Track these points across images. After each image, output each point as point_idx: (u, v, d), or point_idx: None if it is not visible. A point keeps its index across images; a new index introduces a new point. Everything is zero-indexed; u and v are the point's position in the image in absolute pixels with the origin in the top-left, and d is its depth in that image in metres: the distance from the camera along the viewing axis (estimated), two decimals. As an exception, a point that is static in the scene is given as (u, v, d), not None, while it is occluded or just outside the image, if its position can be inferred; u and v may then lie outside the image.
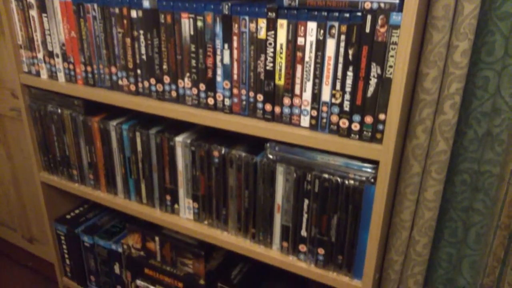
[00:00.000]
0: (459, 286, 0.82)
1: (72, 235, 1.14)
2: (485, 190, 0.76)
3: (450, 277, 0.85)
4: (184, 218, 0.93)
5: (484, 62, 0.74)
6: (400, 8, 0.58)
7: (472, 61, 0.75)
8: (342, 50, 0.64)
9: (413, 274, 0.81)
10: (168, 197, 0.93)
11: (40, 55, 0.99)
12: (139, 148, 0.92)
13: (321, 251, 0.77)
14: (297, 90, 0.70)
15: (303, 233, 0.78)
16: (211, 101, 0.79)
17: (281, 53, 0.68)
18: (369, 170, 0.68)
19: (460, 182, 0.80)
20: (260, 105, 0.74)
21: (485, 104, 0.74)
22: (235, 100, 0.77)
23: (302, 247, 0.79)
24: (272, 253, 0.83)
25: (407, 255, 0.80)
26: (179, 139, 0.86)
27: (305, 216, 0.77)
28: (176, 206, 0.93)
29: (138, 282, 1.10)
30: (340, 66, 0.65)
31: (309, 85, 0.68)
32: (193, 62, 0.77)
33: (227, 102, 0.78)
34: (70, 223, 1.16)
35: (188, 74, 0.79)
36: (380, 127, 0.64)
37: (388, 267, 0.82)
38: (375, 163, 0.67)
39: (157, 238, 1.00)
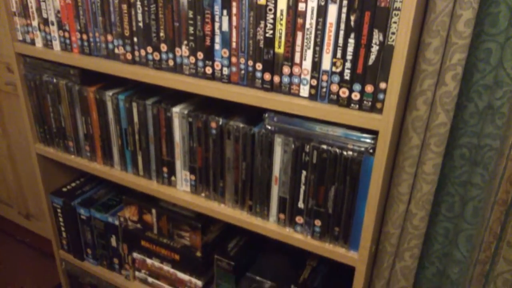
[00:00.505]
0: (454, 259, 0.83)
1: (68, 208, 1.14)
2: (484, 164, 0.75)
3: (446, 251, 0.85)
4: (181, 190, 0.92)
5: (487, 34, 0.72)
6: (404, -29, 0.56)
7: (474, 33, 0.73)
8: (344, 16, 0.62)
9: (410, 248, 0.81)
10: (165, 169, 0.92)
11: (34, 23, 0.96)
12: (135, 119, 0.91)
13: (317, 222, 0.77)
14: (297, 59, 0.68)
15: (300, 204, 0.78)
16: (209, 70, 0.78)
17: (281, 19, 0.67)
18: (368, 140, 0.67)
19: (459, 156, 0.79)
20: (259, 74, 0.73)
21: (487, 77, 0.73)
22: (234, 69, 0.75)
23: (299, 219, 0.79)
24: (269, 225, 0.83)
25: (404, 228, 0.80)
26: (176, 110, 0.85)
27: (302, 187, 0.76)
28: (173, 178, 0.92)
29: (135, 254, 1.10)
30: (341, 33, 0.63)
31: (309, 53, 0.67)
32: (191, 29, 0.76)
33: (226, 71, 0.76)
34: (66, 196, 1.15)
35: (185, 42, 0.78)
36: (381, 96, 0.63)
37: (384, 240, 0.82)
38: (374, 133, 0.67)
39: (154, 211, 1.00)
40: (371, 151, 0.67)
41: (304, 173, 0.75)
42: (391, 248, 0.81)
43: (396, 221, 0.79)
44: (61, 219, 1.18)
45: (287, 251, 0.99)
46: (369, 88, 0.64)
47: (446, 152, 0.80)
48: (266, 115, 0.75)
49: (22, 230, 2.43)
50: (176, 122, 0.86)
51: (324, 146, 0.71)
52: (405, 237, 0.81)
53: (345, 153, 0.69)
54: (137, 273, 1.13)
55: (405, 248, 0.81)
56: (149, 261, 1.08)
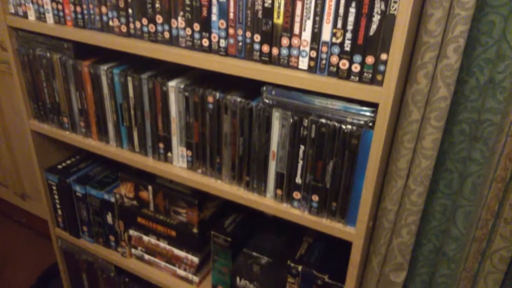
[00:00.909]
0: (451, 236, 0.83)
1: (64, 185, 1.13)
2: (484, 139, 0.74)
3: (444, 228, 0.85)
4: (178, 166, 0.91)
5: (490, 6, 0.71)
6: None
7: (477, 6, 0.71)
8: (345, -16, 0.60)
9: (407, 224, 0.81)
10: (161, 145, 0.91)
11: (26, -6, 0.94)
12: (131, 93, 0.89)
13: (315, 198, 0.76)
14: (296, 30, 0.67)
15: (298, 180, 0.77)
16: (205, 42, 0.76)
17: (280, -12, 0.65)
18: (367, 114, 0.66)
19: (458, 132, 0.79)
20: (257, 46, 0.71)
21: (489, 50, 0.72)
22: (231, 41, 0.73)
23: (296, 194, 0.79)
24: (266, 201, 0.82)
25: (402, 205, 0.80)
26: (172, 84, 0.83)
27: (300, 162, 0.76)
28: (169, 154, 0.91)
29: (131, 231, 1.10)
30: (342, 2, 0.61)
31: (309, 24, 0.65)
32: (188, -1, 0.74)
33: (223, 43, 0.74)
34: (62, 173, 1.14)
35: (181, 13, 0.76)
36: (382, 67, 0.62)
37: (382, 216, 0.82)
38: (374, 106, 0.65)
39: (150, 187, 0.99)
40: (370, 124, 0.66)
41: (302, 147, 0.74)
42: (388, 224, 0.81)
43: (394, 197, 0.78)
44: (56, 196, 1.17)
45: (284, 228, 0.99)
46: (369, 60, 0.62)
47: (445, 128, 0.79)
48: (264, 88, 0.73)
49: (18, 210, 2.43)
50: (172, 97, 0.84)
51: (323, 120, 0.69)
52: (403, 213, 0.81)
53: (344, 127, 0.68)
54: (133, 250, 1.13)
55: (403, 224, 0.81)
56: (145, 238, 1.08)
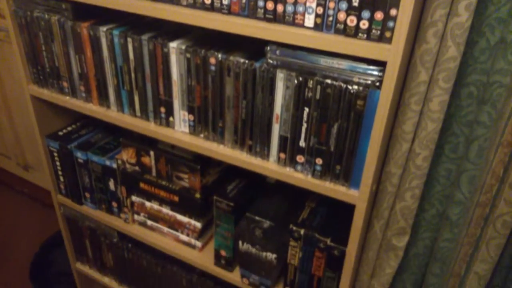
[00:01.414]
0: (455, 201, 0.82)
1: (65, 151, 1.12)
2: (492, 102, 0.73)
3: (448, 193, 0.84)
4: (180, 131, 0.90)
5: (506, -38, 0.68)
6: None
7: (492, -38, 0.69)
8: None
9: (411, 188, 0.80)
10: (162, 110, 0.90)
11: (21, -48, 0.90)
12: (131, 56, 0.87)
13: (319, 161, 0.76)
14: (302, -15, 0.64)
15: (302, 143, 0.76)
16: (208, 0, 0.73)
17: None
18: (375, 73, 0.64)
19: (466, 95, 0.77)
20: (261, 3, 0.69)
21: (501, 9, 0.69)
22: (234, -2, 0.71)
23: (300, 158, 0.78)
24: (269, 165, 0.81)
25: (406, 168, 0.79)
26: (173, 45, 0.81)
27: (304, 125, 0.74)
28: (171, 119, 0.90)
29: (134, 197, 1.10)
30: (351, -47, 0.59)
31: (315, -22, 0.63)
32: (189, -46, 0.71)
33: (225, 1, 0.72)
34: (63, 139, 1.13)
35: (183, -31, 0.73)
36: (391, 24, 0.60)
37: (385, 180, 0.81)
38: (382, 65, 0.64)
39: (152, 153, 0.98)
40: (377, 84, 0.64)
41: (306, 110, 0.73)
42: (392, 188, 0.81)
43: (399, 161, 0.78)
44: (58, 163, 1.17)
45: (287, 193, 0.98)
46: (378, 15, 0.60)
47: (452, 91, 0.77)
48: (268, 48, 0.71)
49: (21, 181, 2.44)
50: (173, 59, 0.82)
51: (329, 81, 0.68)
52: (407, 177, 0.80)
53: (350, 87, 0.66)
54: (136, 216, 1.13)
55: (406, 188, 0.81)
56: (148, 204, 1.08)
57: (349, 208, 0.78)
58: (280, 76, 0.72)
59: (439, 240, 0.87)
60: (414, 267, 0.95)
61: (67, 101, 1.02)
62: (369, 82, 0.65)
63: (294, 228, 0.86)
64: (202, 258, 1.05)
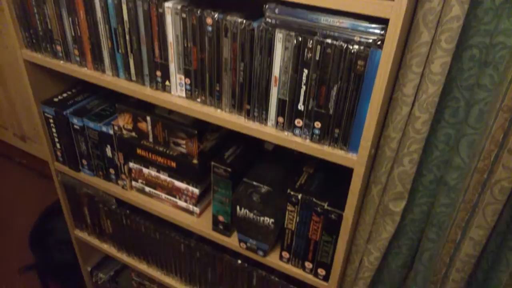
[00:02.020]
0: (454, 166, 0.82)
1: (61, 118, 1.11)
2: (495, 64, 0.71)
3: (446, 158, 0.84)
4: (176, 95, 0.89)
5: None
6: None
7: None
8: None
9: (409, 152, 0.80)
10: (158, 73, 0.88)
11: None
12: (125, 17, 0.84)
13: (317, 124, 0.75)
14: None
15: (300, 106, 0.75)
16: (204, -44, 0.71)
17: None
18: (376, 31, 0.62)
19: (468, 58, 0.75)
20: (259, -41, 0.66)
21: (508, -34, 0.67)
22: (232, -46, 0.68)
23: (298, 122, 0.77)
24: (267, 129, 0.80)
25: (405, 133, 0.79)
26: (168, 4, 0.78)
27: (303, 88, 0.73)
28: (167, 83, 0.88)
29: (131, 164, 1.10)
30: None
31: None
32: None
33: (223, -44, 0.69)
34: (58, 106, 1.12)
35: None
36: (393, -21, 0.58)
37: (384, 145, 0.80)
38: (384, 23, 0.62)
39: (148, 118, 0.97)
40: (379, 43, 0.63)
41: (305, 71, 0.71)
42: (391, 153, 0.80)
43: (398, 125, 0.77)
44: (54, 130, 1.16)
45: (284, 160, 0.98)
46: (381, -30, 0.58)
47: (454, 55, 0.75)
48: (267, 6, 0.69)
49: (18, 152, 2.44)
50: (168, 19, 0.80)
51: (329, 40, 0.66)
52: (406, 142, 0.79)
53: (351, 47, 0.65)
54: (134, 183, 1.13)
55: (405, 153, 0.80)
56: (145, 170, 1.07)
57: (347, 174, 0.78)
58: (279, 36, 0.70)
59: (436, 205, 0.87)
60: (410, 232, 0.96)
61: (61, 65, 1.00)
62: (370, 41, 0.63)
63: (292, 193, 0.86)
64: (200, 223, 1.06)
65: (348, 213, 0.80)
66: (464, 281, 0.99)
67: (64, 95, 1.17)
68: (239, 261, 1.06)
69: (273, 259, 0.97)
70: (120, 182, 1.15)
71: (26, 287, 1.76)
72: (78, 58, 0.97)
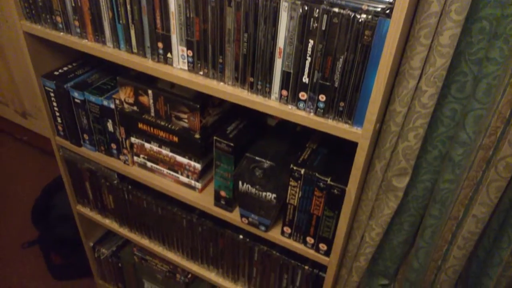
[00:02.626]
0: (459, 141, 0.81)
1: (62, 91, 1.10)
2: (505, 36, 0.69)
3: (451, 134, 0.83)
4: (178, 68, 0.87)
5: None
6: None
7: None
8: None
9: (415, 127, 0.79)
10: (160, 45, 0.86)
11: None
12: (126, -14, 0.82)
13: (322, 98, 0.73)
14: None
15: (305, 79, 0.74)
16: None
17: None
18: (385, -1, 0.60)
19: (477, 30, 0.73)
20: None
21: None
22: None
23: (303, 95, 0.75)
24: (271, 103, 0.79)
25: (411, 107, 0.77)
26: (171, -27, 0.76)
27: (308, 59, 0.72)
28: (169, 55, 0.87)
29: (133, 139, 1.09)
30: None
31: None
32: None
33: None
34: (59, 79, 1.10)
35: None
36: None
37: (389, 119, 0.79)
38: (392, -9, 0.60)
39: (150, 92, 0.96)
40: (387, 12, 0.61)
41: (311, 42, 0.69)
42: (396, 128, 0.79)
43: (404, 99, 0.75)
44: (54, 104, 1.15)
45: (287, 135, 0.97)
46: None
47: (463, 27, 0.73)
48: (272, -27, 0.67)
49: (20, 128, 2.43)
50: (171, -12, 0.78)
51: (336, 9, 0.64)
52: (411, 116, 0.78)
53: (358, 16, 0.63)
54: (135, 158, 1.13)
55: (410, 127, 0.79)
56: (147, 145, 1.07)
57: (350, 150, 0.77)
58: (284, 5, 0.68)
59: (440, 181, 0.87)
60: (413, 209, 0.95)
61: (61, 37, 0.98)
62: (379, 9, 0.61)
63: (295, 168, 0.85)
64: (202, 199, 1.05)
65: (351, 188, 0.80)
66: (465, 258, 1.00)
67: (65, 68, 1.16)
68: (241, 236, 1.06)
69: (275, 234, 0.97)
70: (122, 157, 1.14)
71: (29, 261, 1.78)
72: (78, 30, 0.95)
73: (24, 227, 1.91)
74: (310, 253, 0.94)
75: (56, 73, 1.13)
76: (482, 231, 0.95)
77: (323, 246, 0.92)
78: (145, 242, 1.30)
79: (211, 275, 1.21)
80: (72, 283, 1.70)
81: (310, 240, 0.93)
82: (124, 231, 1.32)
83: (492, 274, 0.96)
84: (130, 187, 1.18)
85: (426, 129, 0.80)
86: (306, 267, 1.00)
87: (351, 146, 0.76)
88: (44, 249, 1.72)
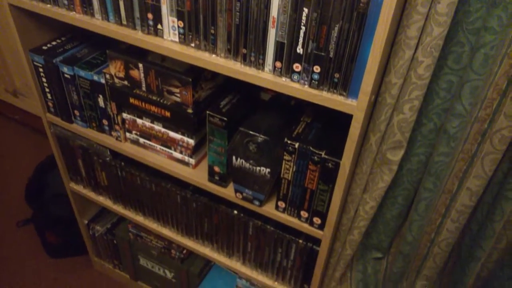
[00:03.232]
0: (455, 113, 0.80)
1: (51, 66, 1.07)
2: (504, 4, 0.68)
3: (447, 106, 0.82)
4: (169, 40, 0.85)
5: None
6: None
7: None
8: None
9: (410, 99, 0.78)
10: (150, 16, 0.84)
11: None
12: (114, -47, 0.79)
13: (317, 69, 0.72)
14: None
15: (299, 49, 0.72)
16: None
17: None
18: (381, -36, 0.58)
19: (476, -1, 0.72)
20: None
21: None
22: None
23: (297, 66, 0.74)
24: (264, 75, 0.78)
25: (407, 78, 0.76)
26: None
27: (302, 29, 0.70)
28: (159, 26, 0.84)
29: (124, 115, 1.07)
30: None
31: None
32: None
33: None
34: (47, 54, 1.07)
35: None
36: None
37: (385, 91, 0.78)
38: (389, -45, 0.58)
39: (140, 65, 0.94)
40: (383, -23, 0.59)
41: (305, 11, 0.67)
42: (391, 100, 0.78)
43: (400, 70, 0.74)
44: (44, 79, 1.12)
45: (281, 109, 0.96)
46: None
47: (462, -4, 0.71)
48: None
49: (11, 107, 2.39)
50: (160, -45, 0.75)
51: (330, -25, 0.62)
52: (407, 88, 0.77)
53: (353, -18, 0.61)
54: (128, 134, 1.11)
55: (406, 100, 0.78)
56: (139, 121, 1.05)
57: (345, 123, 0.76)
58: (277, -28, 0.66)
59: (435, 154, 0.86)
60: (407, 182, 0.95)
61: (48, 9, 0.95)
62: (374, -25, 0.59)
63: (289, 141, 0.84)
64: (196, 175, 1.05)
65: (346, 161, 0.79)
66: (458, 231, 1.00)
67: (54, 43, 1.13)
68: (235, 212, 1.06)
69: (269, 209, 0.97)
70: (114, 133, 1.12)
71: (24, 240, 1.78)
72: (66, 1, 0.92)
73: (19, 206, 1.91)
74: (304, 227, 0.95)
75: (44, 47, 1.10)
76: (475, 205, 0.96)
77: (317, 220, 0.92)
78: (139, 219, 1.29)
79: (206, 250, 1.21)
80: (68, 260, 1.71)
81: (304, 214, 0.93)
82: (118, 208, 1.32)
83: (485, 246, 0.97)
84: (123, 163, 1.17)
85: (422, 101, 0.79)
86: (300, 241, 1.00)
87: (346, 120, 0.75)
88: (39, 227, 1.71)
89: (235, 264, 1.18)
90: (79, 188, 1.37)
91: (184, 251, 1.34)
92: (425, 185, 0.92)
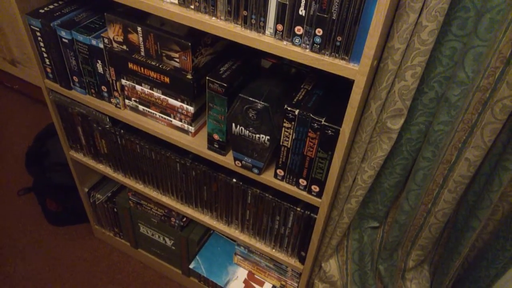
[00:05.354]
0: (457, 81, 0.79)
1: (48, 30, 1.05)
2: (513, -34, 0.66)
3: (449, 74, 0.81)
4: (168, 1, 0.83)
5: None
6: None
7: None
8: None
9: (413, 66, 0.77)
10: (149, -23, 0.82)
11: None
12: None
13: (319, 31, 0.71)
14: None
15: (301, 11, 0.70)
16: None
17: None
18: None
19: (484, -39, 0.70)
20: None
21: None
22: None
23: (299, 29, 0.72)
24: (265, 38, 0.76)
25: (410, 44, 0.75)
26: None
27: (304, -10, 0.68)
28: (159, -12, 0.82)
29: (123, 81, 1.06)
30: None
31: None
32: None
33: None
34: (45, 17, 1.05)
35: None
36: None
37: (387, 57, 0.77)
38: None
39: (139, 29, 0.92)
40: None
41: (307, -29, 0.66)
42: (393, 66, 0.77)
43: (403, 34, 0.73)
44: (41, 44, 1.10)
45: (282, 77, 0.95)
46: None
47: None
48: None
49: (9, 76, 2.37)
50: None
51: None
52: (410, 53, 0.76)
53: None
54: (127, 102, 1.10)
55: (408, 66, 0.77)
56: (138, 87, 1.04)
57: (345, 91, 0.75)
58: None
59: (435, 123, 0.86)
60: (406, 152, 0.95)
61: (44, -31, 0.93)
62: None
63: (289, 108, 0.84)
64: (195, 142, 1.05)
65: (345, 128, 0.79)
66: (455, 201, 1.01)
67: (51, 6, 1.11)
68: (234, 180, 1.06)
69: (268, 177, 0.98)
70: (113, 100, 1.12)
71: (25, 208, 1.80)
72: (62, -39, 0.90)
73: (19, 174, 1.92)
74: (303, 195, 0.95)
75: (41, 11, 1.08)
76: (473, 175, 0.96)
77: (315, 188, 0.93)
78: (139, 187, 1.30)
79: (205, 218, 1.22)
80: (69, 228, 1.73)
81: (302, 182, 0.94)
82: (119, 176, 1.33)
83: (481, 216, 0.98)
84: (122, 131, 1.17)
85: (424, 68, 0.78)
86: (298, 209, 1.01)
87: (347, 88, 0.74)
88: (39, 195, 1.73)
89: (233, 231, 1.20)
90: (79, 156, 1.37)
91: (184, 219, 1.35)
92: (423, 154, 0.92)
